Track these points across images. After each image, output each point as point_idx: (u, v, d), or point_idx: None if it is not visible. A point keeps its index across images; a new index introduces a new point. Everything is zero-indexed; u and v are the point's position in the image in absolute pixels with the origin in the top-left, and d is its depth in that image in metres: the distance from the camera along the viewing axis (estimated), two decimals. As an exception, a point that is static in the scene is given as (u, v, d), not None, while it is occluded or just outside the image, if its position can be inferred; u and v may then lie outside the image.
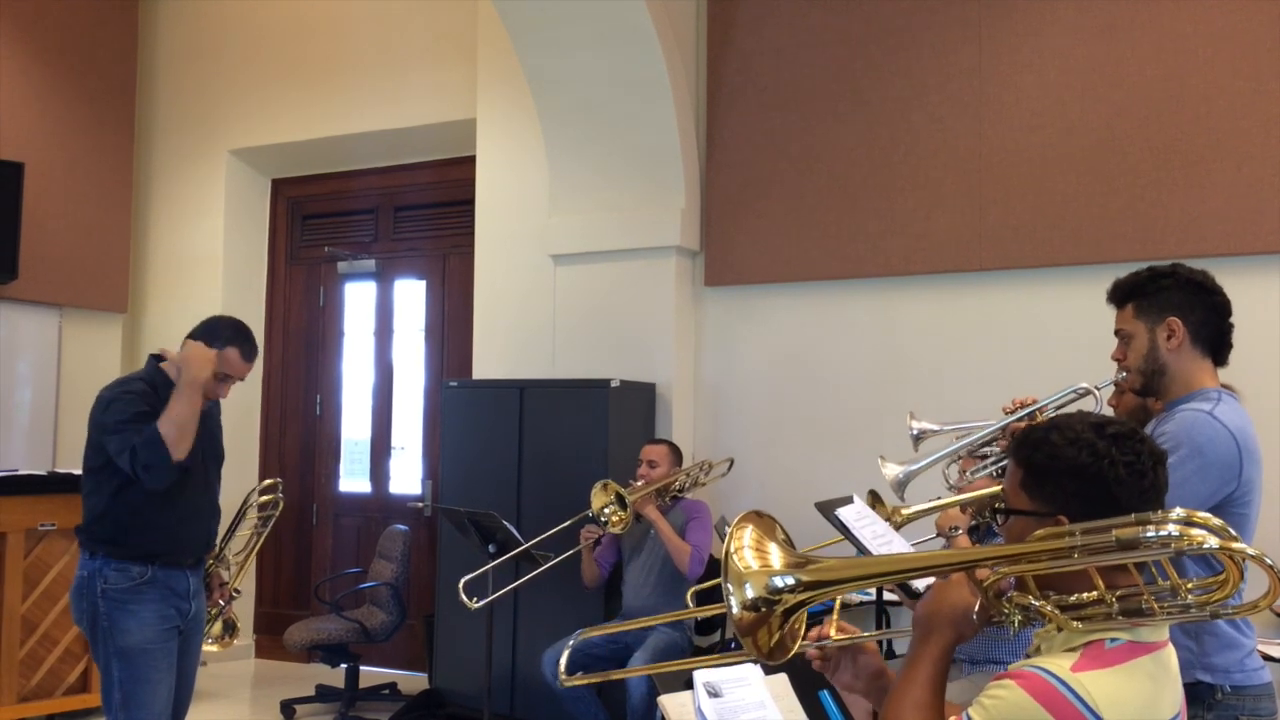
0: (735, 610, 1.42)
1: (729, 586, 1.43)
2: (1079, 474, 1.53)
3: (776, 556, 1.47)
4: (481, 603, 4.03)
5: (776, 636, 1.44)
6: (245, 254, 6.79)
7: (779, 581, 1.45)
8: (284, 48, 6.46)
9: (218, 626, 3.87)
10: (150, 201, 6.80)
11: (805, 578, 1.46)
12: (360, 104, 6.21)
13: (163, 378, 3.25)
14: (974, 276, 4.69)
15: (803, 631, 1.48)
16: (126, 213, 6.60)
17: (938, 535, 3.03)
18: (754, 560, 1.45)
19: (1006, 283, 4.64)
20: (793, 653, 1.45)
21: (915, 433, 3.03)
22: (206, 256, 6.65)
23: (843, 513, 3.28)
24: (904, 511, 2.52)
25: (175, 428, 3.09)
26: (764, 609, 1.43)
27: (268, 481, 4.75)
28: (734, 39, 5.24)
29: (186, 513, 3.27)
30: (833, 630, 1.65)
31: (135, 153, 6.70)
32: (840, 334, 4.98)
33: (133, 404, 3.16)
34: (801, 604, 1.45)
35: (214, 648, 3.92)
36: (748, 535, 1.47)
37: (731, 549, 1.45)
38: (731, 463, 4.87)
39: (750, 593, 1.43)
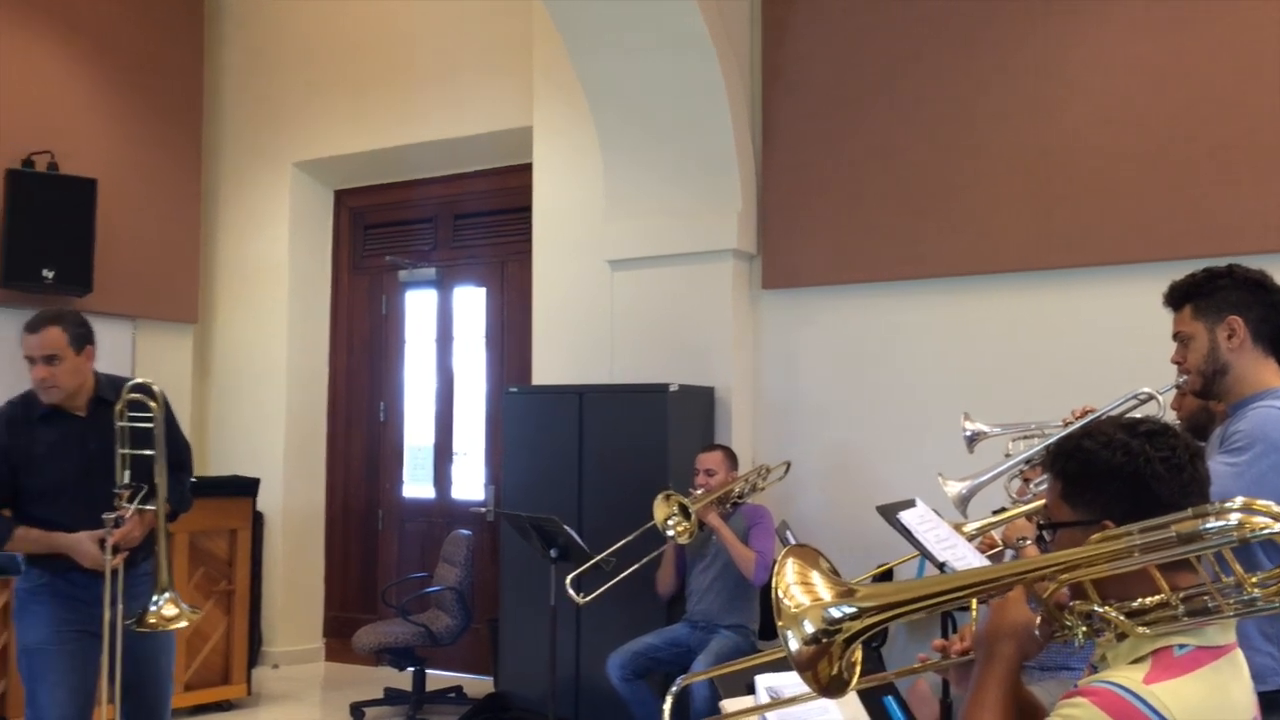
0: (795, 647, 1.42)
1: (786, 628, 1.42)
2: (1117, 476, 1.52)
3: (824, 588, 1.46)
4: (588, 599, 4.13)
5: (837, 667, 1.42)
6: (309, 264, 6.92)
7: (835, 612, 1.44)
8: (344, 61, 6.57)
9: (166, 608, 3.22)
10: (218, 214, 6.95)
11: (861, 605, 1.45)
12: (419, 114, 6.30)
13: (34, 399, 3.23)
14: (1040, 275, 4.62)
15: (860, 661, 1.46)
16: (196, 226, 6.75)
17: (1005, 547, 2.99)
18: (804, 596, 1.44)
19: (1073, 281, 4.55)
20: (852, 685, 1.43)
21: (970, 434, 3.00)
22: (272, 267, 6.79)
23: (905, 516, 3.25)
24: (965, 529, 2.49)
25: (23, 548, 3.13)
26: (824, 640, 1.42)
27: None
28: (789, 40, 5.21)
29: (69, 528, 3.16)
30: (971, 643, 1.64)
31: (203, 167, 6.86)
32: (901, 336, 4.93)
33: None
34: (861, 632, 1.44)
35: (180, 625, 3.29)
36: (791, 572, 1.47)
37: (779, 591, 1.44)
38: (788, 466, 4.85)
39: (809, 628, 1.42)
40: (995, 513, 2.56)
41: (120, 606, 3.15)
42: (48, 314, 3.27)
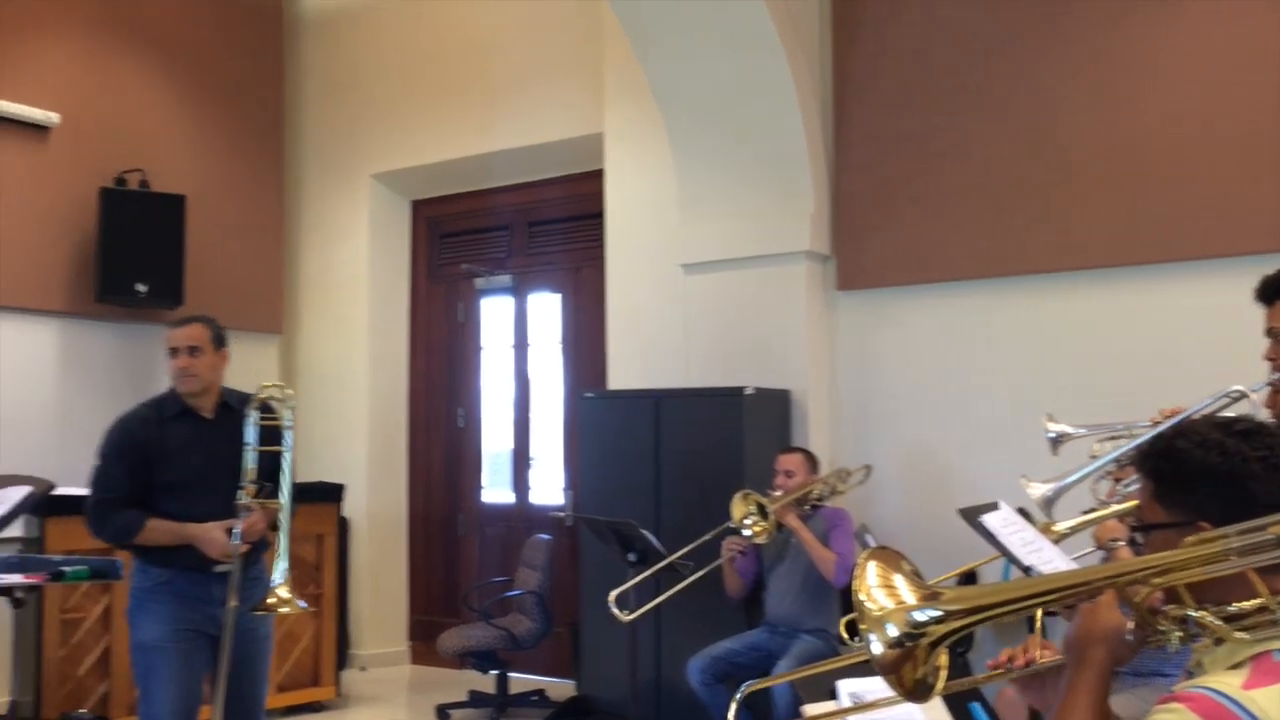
0: (878, 651, 1.41)
1: (869, 631, 1.41)
2: (1212, 476, 1.48)
3: (907, 591, 1.45)
4: (632, 616, 4.08)
5: (922, 671, 1.41)
6: (388, 273, 7.05)
7: (920, 616, 1.43)
8: (419, 74, 6.69)
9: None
10: (300, 227, 7.13)
11: (946, 608, 1.44)
12: (492, 124, 6.38)
13: (169, 398, 3.50)
14: (1124, 271, 4.52)
15: (946, 664, 1.45)
16: (279, 238, 6.93)
17: (1097, 548, 2.93)
18: (886, 599, 1.44)
19: (1159, 277, 4.44)
20: (938, 690, 1.42)
21: (1054, 435, 2.94)
22: (352, 277, 6.94)
23: (988, 519, 3.21)
24: (1055, 528, 2.45)
25: (152, 539, 3.34)
26: (909, 644, 1.41)
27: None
28: (860, 38, 5.18)
29: (197, 521, 3.35)
30: (1038, 653, 1.62)
31: (285, 181, 7.04)
32: (982, 335, 4.86)
33: (111, 443, 3.41)
34: (946, 635, 1.43)
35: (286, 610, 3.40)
36: (873, 575, 1.46)
37: (861, 594, 1.44)
38: (869, 469, 4.81)
39: (893, 631, 1.41)
40: (1085, 514, 2.51)
41: (235, 603, 3.34)
42: (192, 315, 3.61)
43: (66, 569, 3.67)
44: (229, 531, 3.30)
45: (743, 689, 1.91)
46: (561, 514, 6.26)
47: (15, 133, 5.65)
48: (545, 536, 5.87)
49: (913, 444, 5.00)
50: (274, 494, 3.39)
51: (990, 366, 4.83)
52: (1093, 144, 4.57)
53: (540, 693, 5.77)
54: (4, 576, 3.60)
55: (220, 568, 3.35)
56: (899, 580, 1.47)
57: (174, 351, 3.46)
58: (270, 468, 3.41)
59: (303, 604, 3.40)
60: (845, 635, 3.78)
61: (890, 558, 1.50)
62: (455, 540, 6.96)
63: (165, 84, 6.34)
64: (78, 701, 4.98)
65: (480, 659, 5.54)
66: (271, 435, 3.44)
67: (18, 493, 3.02)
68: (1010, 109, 4.77)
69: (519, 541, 6.23)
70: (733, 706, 1.98)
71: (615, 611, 4.06)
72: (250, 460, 3.37)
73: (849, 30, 5.21)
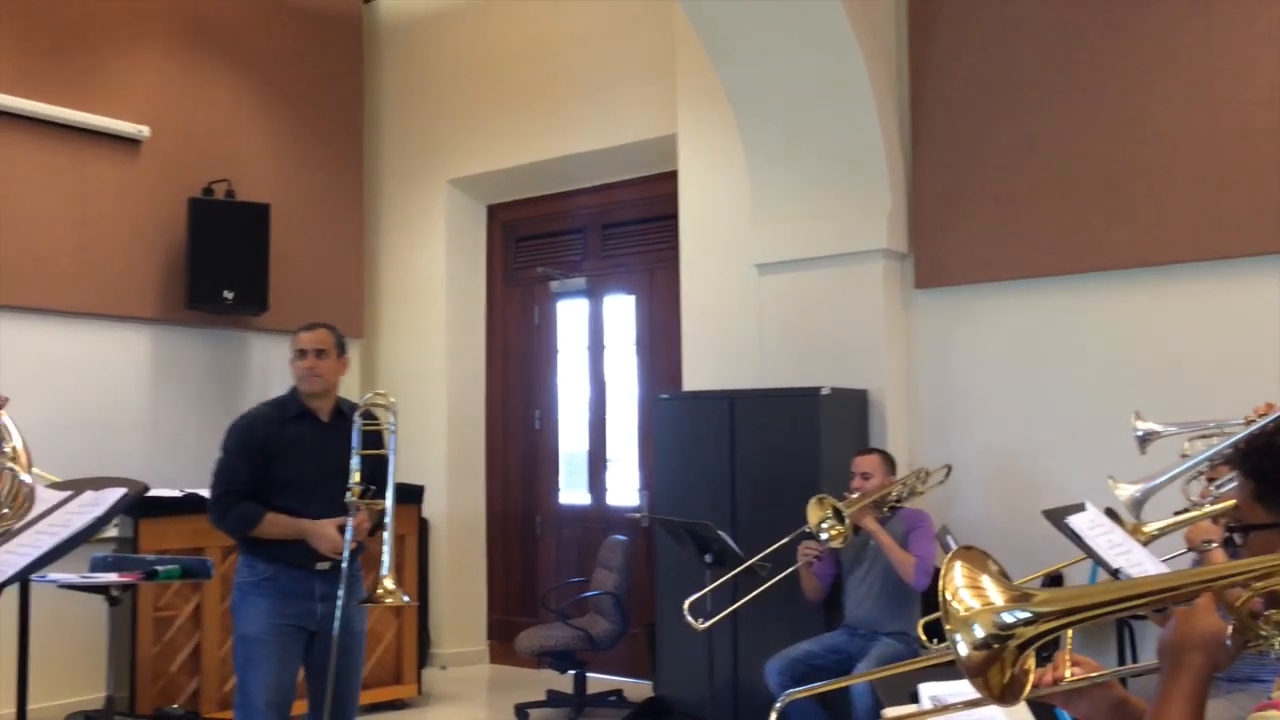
0: (964, 652, 1.38)
1: (954, 632, 1.39)
2: None
3: (995, 592, 1.42)
4: (707, 624, 4.06)
5: (1009, 674, 1.38)
6: (465, 278, 7.15)
7: (1008, 617, 1.40)
8: (494, 80, 6.77)
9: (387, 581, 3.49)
10: (380, 233, 7.26)
11: (1036, 610, 1.41)
12: (566, 127, 6.43)
13: (290, 400, 3.70)
14: (1211, 266, 4.39)
15: (1034, 668, 1.42)
16: (359, 244, 7.07)
17: (1189, 550, 2.85)
18: (973, 600, 1.41)
19: (1248, 271, 4.30)
20: (1025, 694, 1.39)
21: (1141, 434, 2.87)
22: (430, 282, 7.04)
23: (1074, 521, 3.14)
24: (1146, 529, 2.38)
25: (268, 532, 3.52)
26: (995, 645, 1.39)
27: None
28: (937, 34, 5.11)
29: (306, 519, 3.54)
30: (1067, 671, 1.58)
31: (364, 188, 7.17)
32: (1065, 332, 4.76)
33: (235, 439, 3.61)
34: (1035, 638, 1.40)
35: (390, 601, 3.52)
36: (959, 575, 1.43)
37: (948, 594, 1.41)
38: (949, 470, 4.74)
39: (980, 632, 1.38)
40: (1177, 514, 2.44)
41: (328, 601, 3.52)
42: (319, 322, 3.83)
43: (159, 568, 3.78)
44: (340, 529, 3.48)
45: (782, 698, 1.87)
46: (637, 515, 6.28)
47: (108, 146, 5.85)
48: (621, 537, 5.89)
49: (994, 444, 4.91)
50: (378, 495, 3.54)
51: (1073, 364, 4.72)
52: (1177, 134, 4.44)
53: (618, 693, 5.79)
54: (100, 575, 3.74)
55: (321, 565, 3.54)
56: (986, 581, 1.44)
57: (301, 353, 3.65)
58: (373, 471, 3.57)
59: (406, 598, 3.54)
60: (924, 637, 3.73)
61: (977, 558, 1.47)
62: (533, 541, 7.02)
63: (250, 96, 6.51)
64: (170, 697, 5.13)
65: (558, 659, 5.58)
66: (375, 440, 3.63)
67: (113, 494, 3.12)
68: (1090, 102, 4.66)
69: (595, 542, 6.26)
70: (772, 716, 1.94)
71: (690, 620, 4.05)
72: (356, 463, 3.54)
73: (925, 26, 5.14)
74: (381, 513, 3.53)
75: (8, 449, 1.74)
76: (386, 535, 3.48)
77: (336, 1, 6.95)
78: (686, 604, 4.10)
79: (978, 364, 4.98)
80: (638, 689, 5.85)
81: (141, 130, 5.94)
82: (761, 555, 4.24)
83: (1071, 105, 4.71)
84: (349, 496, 3.49)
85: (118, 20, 5.93)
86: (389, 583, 3.43)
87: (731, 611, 4.19)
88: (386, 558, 3.46)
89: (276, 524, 3.52)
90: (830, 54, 4.89)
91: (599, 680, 5.96)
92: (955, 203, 5.02)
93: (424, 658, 6.29)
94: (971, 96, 4.99)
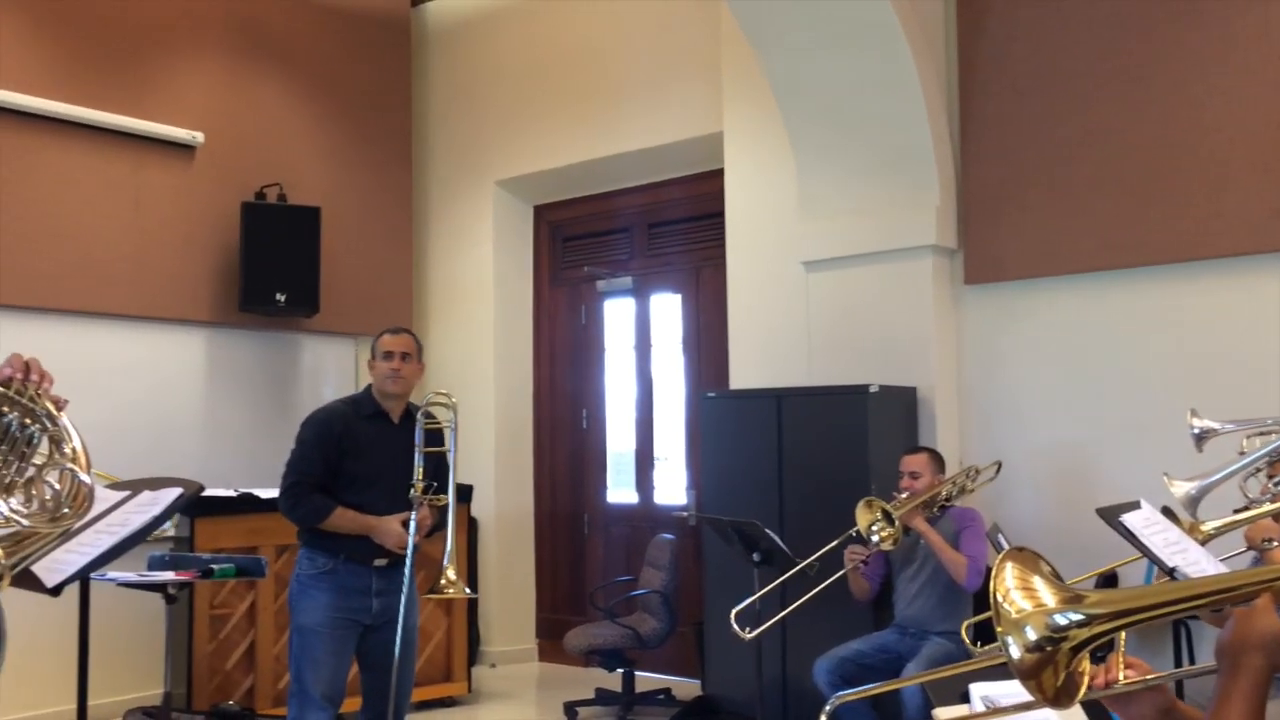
0: (1016, 655, 1.37)
1: (1006, 634, 1.37)
2: None
3: (1047, 593, 1.40)
4: (754, 633, 4.04)
5: (1063, 677, 1.36)
6: (512, 278, 7.19)
7: (1061, 619, 1.38)
8: (540, 81, 6.80)
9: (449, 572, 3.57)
10: (428, 234, 7.33)
11: (1090, 611, 1.39)
12: (612, 127, 6.44)
13: (365, 399, 3.81)
14: (1271, 259, 4.29)
15: (1088, 670, 1.40)
16: (408, 246, 7.14)
17: (1248, 549, 2.79)
18: (1025, 601, 1.39)
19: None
20: (1080, 696, 1.37)
21: (1197, 432, 2.81)
22: (478, 283, 7.09)
23: (1129, 519, 3.09)
24: (1203, 527, 2.33)
25: (336, 526, 3.62)
26: (1048, 648, 1.37)
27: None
28: (986, 26, 5.05)
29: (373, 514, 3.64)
30: (1121, 673, 1.55)
31: (413, 190, 7.24)
32: (1119, 327, 4.68)
33: (313, 431, 3.70)
34: (1089, 640, 1.38)
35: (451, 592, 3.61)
36: (1010, 576, 1.41)
37: (999, 595, 1.39)
38: (999, 467, 4.68)
39: (1032, 635, 1.36)
40: (1236, 512, 2.39)
41: (383, 596, 3.65)
42: (402, 327, 4.02)
43: (215, 567, 3.85)
44: (405, 525, 3.59)
45: (833, 700, 1.86)
46: (684, 514, 6.28)
47: (164, 152, 5.97)
48: (669, 536, 5.89)
49: (1045, 441, 4.85)
50: (439, 492, 3.64)
51: (1128, 360, 4.64)
52: (1235, 124, 4.35)
53: (666, 691, 5.80)
54: (158, 574, 3.81)
55: (379, 561, 3.65)
56: (1038, 582, 1.42)
57: (388, 355, 3.76)
58: (435, 468, 3.68)
59: (468, 590, 3.66)
60: (967, 639, 3.69)
61: (1029, 559, 1.45)
62: (581, 540, 7.05)
63: (300, 100, 6.60)
64: (226, 694, 5.22)
65: (606, 657, 5.60)
66: (437, 438, 3.73)
67: (169, 494, 3.18)
68: (1146, 92, 4.58)
69: (643, 541, 6.27)
70: (828, 707, 1.92)
71: (736, 630, 4.04)
72: (419, 459, 3.63)
73: (974, 17, 5.08)
74: (443, 509, 3.62)
75: (67, 450, 1.78)
76: (449, 528, 3.55)
77: (386, 6, 7.02)
78: (733, 613, 4.08)
79: (1029, 360, 4.92)
80: (686, 688, 5.85)
81: (196, 136, 6.05)
82: (813, 558, 4.21)
83: (1126, 96, 4.63)
84: (412, 493, 3.59)
85: (172, 29, 6.04)
86: (451, 573, 3.51)
87: (780, 620, 4.15)
88: (450, 550, 3.54)
89: (345, 519, 3.61)
90: (877, 48, 4.85)
91: (647, 679, 5.97)
92: (1006, 197, 4.95)
93: (474, 655, 6.35)
94: (1022, 88, 4.92)
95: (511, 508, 6.99)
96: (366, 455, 3.70)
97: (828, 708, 1.89)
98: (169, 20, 6.03)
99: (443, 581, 3.52)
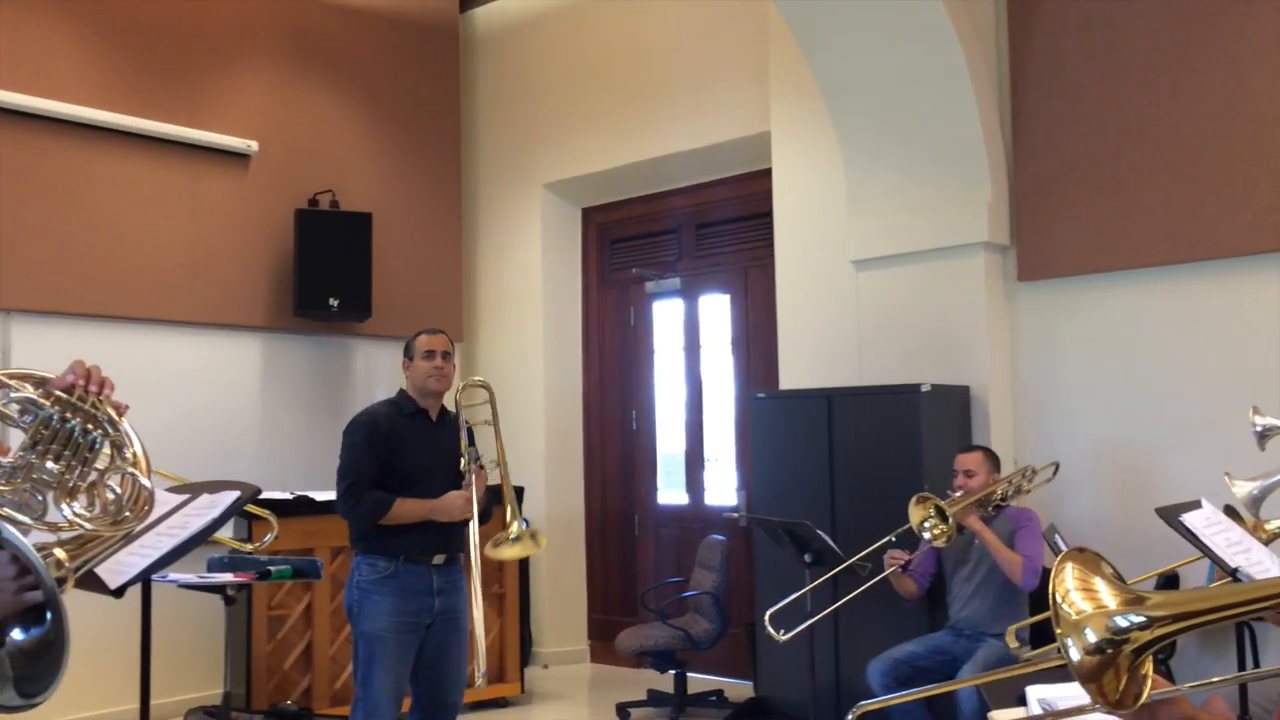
0: (1076, 657, 1.35)
1: (1065, 636, 1.35)
2: None
3: (1108, 595, 1.38)
4: (789, 634, 4.02)
5: (1125, 680, 1.34)
6: (561, 281, 7.22)
7: (1122, 621, 1.35)
8: (587, 83, 6.82)
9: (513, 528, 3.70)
10: (477, 238, 7.38)
11: (1151, 613, 1.36)
12: (659, 128, 6.45)
13: (403, 399, 3.87)
14: (1336, 250, 4.19)
15: (1151, 673, 1.37)
16: (458, 250, 7.20)
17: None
18: (1085, 603, 1.37)
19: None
20: (1143, 700, 1.35)
21: (1260, 430, 2.75)
22: (527, 285, 7.13)
23: (1190, 519, 3.03)
24: (1267, 526, 2.29)
25: (398, 517, 3.64)
26: (1109, 650, 1.35)
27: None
28: (1037, 19, 4.97)
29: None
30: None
31: (462, 194, 7.30)
32: (1177, 323, 4.59)
33: (360, 432, 3.75)
34: (1152, 642, 1.35)
35: (514, 550, 3.74)
36: (1070, 577, 1.39)
37: (1058, 596, 1.37)
38: (1057, 467, 4.61)
39: (1092, 637, 1.34)
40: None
41: (444, 595, 3.71)
42: (438, 328, 4.05)
43: (272, 568, 3.91)
44: (466, 500, 3.66)
45: (854, 710, 1.83)
46: (735, 515, 6.26)
47: (220, 161, 6.08)
48: (720, 537, 5.88)
49: (1103, 440, 4.76)
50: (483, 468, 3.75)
51: (1186, 357, 4.55)
52: (1299, 115, 4.24)
53: (719, 693, 5.78)
54: (216, 575, 3.88)
55: (437, 559, 3.70)
56: (1099, 583, 1.40)
57: (430, 354, 3.83)
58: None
59: (530, 551, 3.75)
60: (1014, 644, 3.63)
61: (1090, 559, 1.43)
62: (631, 541, 7.06)
63: (351, 108, 6.69)
64: (284, 694, 5.30)
65: (658, 658, 5.60)
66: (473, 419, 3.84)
67: (228, 497, 3.24)
68: (1203, 82, 4.49)
69: (694, 542, 6.26)
70: (863, 707, 1.89)
71: (770, 631, 4.03)
72: (465, 436, 3.74)
73: (1026, 10, 5.01)
74: (496, 488, 3.73)
75: (128, 454, 1.81)
76: (509, 494, 3.65)
77: (435, 13, 7.09)
78: (768, 615, 4.07)
79: (1085, 357, 4.84)
80: (738, 689, 5.84)
81: (250, 145, 6.15)
82: (862, 555, 4.18)
83: (1180, 87, 4.54)
84: (462, 463, 3.68)
85: (226, 41, 6.16)
86: (518, 525, 3.62)
87: (819, 620, 4.13)
88: (510, 506, 3.64)
89: (406, 508, 3.65)
90: (926, 43, 4.80)
91: (699, 680, 5.96)
92: (1059, 192, 4.88)
93: (526, 656, 6.38)
94: (1075, 81, 4.85)
95: (562, 509, 7.02)
96: (413, 452, 3.74)
97: (849, 717, 1.88)
98: (224, 32, 6.14)
99: (510, 531, 3.61)
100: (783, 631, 4.03)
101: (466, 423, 3.77)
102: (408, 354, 3.89)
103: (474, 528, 3.64)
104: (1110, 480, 4.73)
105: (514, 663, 5.95)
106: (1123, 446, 4.71)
